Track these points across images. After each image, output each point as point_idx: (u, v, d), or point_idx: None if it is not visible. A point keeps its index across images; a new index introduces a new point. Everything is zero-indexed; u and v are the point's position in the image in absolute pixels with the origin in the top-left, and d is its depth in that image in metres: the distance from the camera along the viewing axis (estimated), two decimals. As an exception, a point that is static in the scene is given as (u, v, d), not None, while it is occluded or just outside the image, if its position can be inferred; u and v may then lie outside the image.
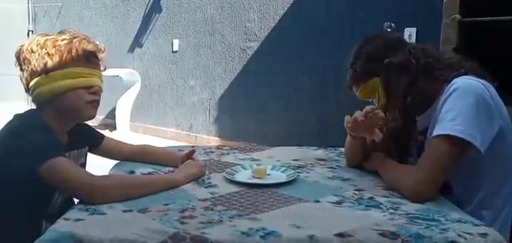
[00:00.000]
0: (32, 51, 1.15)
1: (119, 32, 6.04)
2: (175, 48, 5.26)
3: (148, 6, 5.55)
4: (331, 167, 1.42)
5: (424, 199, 1.05)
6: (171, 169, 1.33)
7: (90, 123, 1.35)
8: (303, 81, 4.04)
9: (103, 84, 1.25)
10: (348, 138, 1.39)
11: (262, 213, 0.97)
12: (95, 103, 1.21)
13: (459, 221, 0.94)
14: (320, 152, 1.65)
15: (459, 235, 0.86)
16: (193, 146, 1.77)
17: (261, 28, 4.33)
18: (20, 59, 1.17)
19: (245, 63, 4.52)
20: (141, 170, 1.32)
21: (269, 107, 4.34)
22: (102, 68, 1.25)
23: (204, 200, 1.06)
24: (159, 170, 1.34)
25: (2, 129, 1.13)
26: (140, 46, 5.75)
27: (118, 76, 5.55)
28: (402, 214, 0.98)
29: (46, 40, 1.16)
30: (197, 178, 1.21)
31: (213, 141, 4.85)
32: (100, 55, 1.22)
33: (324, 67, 3.85)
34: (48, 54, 1.14)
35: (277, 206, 1.02)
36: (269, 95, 4.32)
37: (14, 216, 1.11)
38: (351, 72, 1.30)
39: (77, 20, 6.44)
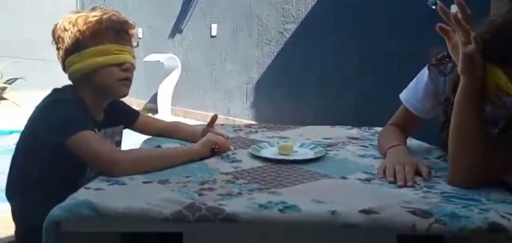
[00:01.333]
0: (65, 29, 1.17)
1: (160, 18, 6.16)
2: (214, 32, 5.28)
3: (188, -9, 5.60)
4: (364, 146, 1.34)
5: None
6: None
7: (127, 101, 1.37)
8: (342, 62, 3.91)
9: (136, 61, 1.24)
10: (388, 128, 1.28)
11: (284, 187, 0.93)
12: (127, 81, 1.21)
13: (503, 201, 0.84)
14: (354, 131, 1.57)
15: (502, 217, 0.77)
16: (222, 124, 1.75)
17: (299, 9, 4.22)
18: (55, 38, 1.20)
19: (282, 45, 4.44)
20: (168, 145, 1.32)
21: (307, 89, 4.25)
22: (134, 44, 1.24)
23: (226, 173, 1.03)
24: (185, 145, 1.33)
25: (41, 102, 1.17)
26: (180, 31, 5.83)
27: (159, 61, 5.67)
28: (437, 192, 0.90)
29: (77, 18, 1.17)
30: (217, 147, 1.18)
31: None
32: (131, 31, 1.22)
33: (364, 48, 3.70)
34: (79, 31, 1.15)
35: (301, 181, 0.97)
36: (306, 77, 4.23)
37: (46, 187, 1.14)
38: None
39: (121, 8, 6.62)
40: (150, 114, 2.02)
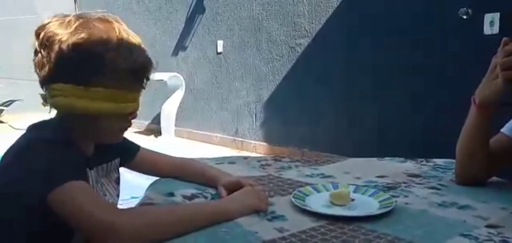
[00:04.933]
0: (59, 40, 0.85)
1: (162, 35, 5.91)
2: (220, 49, 5.02)
3: (191, 7, 5.36)
4: (434, 187, 1.05)
5: None
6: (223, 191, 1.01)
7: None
8: (360, 80, 3.63)
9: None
10: (468, 130, 1.02)
11: (364, 270, 0.63)
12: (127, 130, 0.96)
13: None
14: (409, 165, 1.28)
15: None
16: (246, 158, 1.46)
17: (312, 23, 3.96)
18: (40, 37, 0.87)
19: (294, 62, 4.17)
20: (183, 191, 1.02)
21: (321, 109, 3.96)
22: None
23: (271, 242, 0.74)
24: (205, 191, 1.03)
25: (14, 144, 0.88)
26: (184, 49, 5.58)
27: (162, 80, 5.41)
28: None
29: (82, 31, 0.85)
30: (257, 212, 0.88)
31: (260, 147, 4.54)
32: (150, 73, 0.94)
33: (385, 64, 3.42)
34: (79, 51, 0.85)
35: (383, 256, 0.68)
36: (321, 96, 3.94)
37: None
38: None
39: (122, 25, 6.39)
40: (152, 136, 1.70)
